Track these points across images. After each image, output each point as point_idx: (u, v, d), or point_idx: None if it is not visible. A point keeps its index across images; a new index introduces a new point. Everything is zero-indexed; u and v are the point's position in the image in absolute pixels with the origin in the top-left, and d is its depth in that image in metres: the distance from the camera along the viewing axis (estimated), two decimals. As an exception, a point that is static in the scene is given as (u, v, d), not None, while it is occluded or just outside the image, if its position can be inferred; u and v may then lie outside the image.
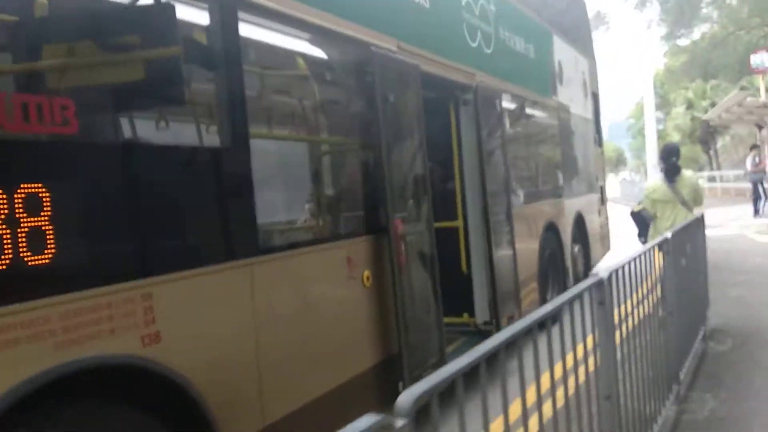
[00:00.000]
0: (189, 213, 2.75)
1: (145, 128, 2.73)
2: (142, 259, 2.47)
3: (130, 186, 2.52)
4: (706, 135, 43.97)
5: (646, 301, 4.06)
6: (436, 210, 5.09)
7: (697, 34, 35.93)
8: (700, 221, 6.32)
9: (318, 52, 4.13)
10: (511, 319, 5.69)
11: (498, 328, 5.45)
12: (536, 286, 7.18)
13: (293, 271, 3.31)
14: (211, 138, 2.93)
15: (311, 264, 3.49)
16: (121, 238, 2.43)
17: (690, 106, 44.15)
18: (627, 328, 3.58)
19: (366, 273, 3.88)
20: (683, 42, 37.36)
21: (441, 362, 4.58)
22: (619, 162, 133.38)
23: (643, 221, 7.31)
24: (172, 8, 2.71)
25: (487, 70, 6.11)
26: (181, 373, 2.45)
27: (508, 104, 6.90)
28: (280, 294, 3.19)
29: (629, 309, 3.69)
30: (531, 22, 7.99)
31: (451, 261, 6.01)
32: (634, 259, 3.79)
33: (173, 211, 2.67)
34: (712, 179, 36.71)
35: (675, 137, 44.27)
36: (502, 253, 6.00)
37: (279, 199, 4.06)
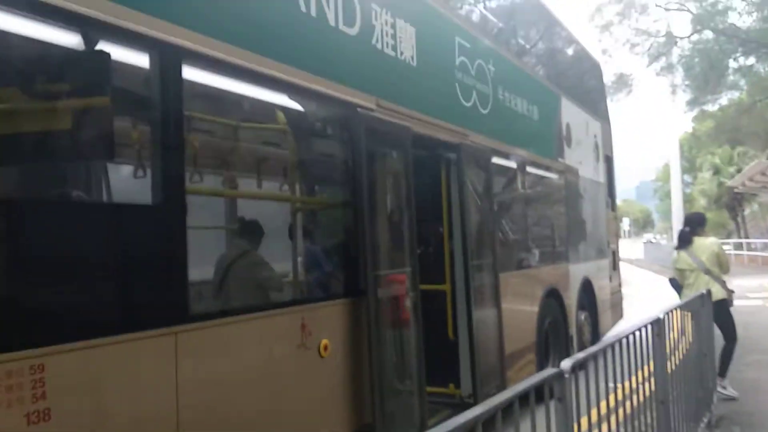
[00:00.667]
0: (98, 275, 2.53)
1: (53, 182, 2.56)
2: (35, 325, 2.25)
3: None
4: (733, 201, 43.25)
5: (638, 389, 3.94)
6: (427, 271, 4.87)
7: (724, 100, 35.71)
8: (704, 297, 5.96)
9: (292, 109, 3.99)
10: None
11: (476, 403, 5.10)
12: (533, 357, 6.83)
13: (228, 340, 3.05)
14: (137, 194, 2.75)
15: (253, 332, 3.23)
16: (14, 302, 2.22)
17: (717, 171, 43.62)
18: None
19: (324, 342, 3.61)
20: (710, 107, 37.13)
21: None
22: (646, 223, 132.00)
23: (679, 288, 7.12)
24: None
25: (481, 130, 5.94)
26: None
27: (502, 165, 6.71)
28: (211, 366, 2.92)
29: (607, 405, 3.43)
30: (537, 84, 7.87)
31: (439, 326, 5.73)
32: (610, 346, 3.52)
33: (78, 271, 2.46)
34: (738, 247, 35.86)
35: (701, 202, 43.69)
36: (484, 322, 5.67)
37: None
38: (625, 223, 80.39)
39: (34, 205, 2.45)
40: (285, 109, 3.94)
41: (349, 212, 4.06)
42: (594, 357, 3.30)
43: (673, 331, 4.86)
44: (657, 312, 4.46)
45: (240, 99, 3.68)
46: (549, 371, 2.64)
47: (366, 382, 3.98)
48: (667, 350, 4.50)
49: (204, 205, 3.07)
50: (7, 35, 2.32)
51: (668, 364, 4.45)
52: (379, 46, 4.40)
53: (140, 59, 2.74)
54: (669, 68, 33.71)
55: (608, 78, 33.31)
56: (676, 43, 33.22)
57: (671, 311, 4.81)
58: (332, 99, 3.93)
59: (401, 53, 4.68)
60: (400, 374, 4.54)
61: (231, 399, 3.00)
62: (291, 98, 3.85)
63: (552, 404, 2.64)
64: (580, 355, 3.06)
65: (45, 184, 2.60)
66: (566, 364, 2.75)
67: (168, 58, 2.77)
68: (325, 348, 3.66)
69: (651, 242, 49.60)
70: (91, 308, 2.48)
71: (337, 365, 3.81)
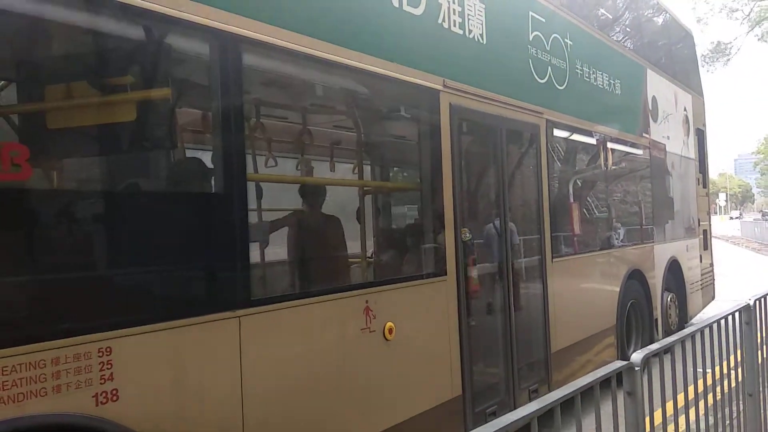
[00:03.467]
0: (163, 260, 2.62)
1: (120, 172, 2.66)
2: (104, 310, 2.35)
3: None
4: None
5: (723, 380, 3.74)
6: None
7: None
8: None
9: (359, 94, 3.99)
10: (534, 393, 5.03)
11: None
12: (613, 341, 6.61)
13: (290, 324, 3.10)
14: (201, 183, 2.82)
15: (317, 316, 3.26)
16: (82, 288, 2.33)
17: (825, 141, 40.53)
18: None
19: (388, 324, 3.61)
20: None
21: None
22: (745, 198, 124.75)
23: None
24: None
25: (557, 108, 5.74)
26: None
27: (581, 142, 6.48)
28: (275, 350, 2.97)
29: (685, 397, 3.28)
30: (619, 56, 7.51)
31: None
32: (690, 336, 3.33)
33: (146, 256, 2.55)
34: None
35: (807, 175, 40.77)
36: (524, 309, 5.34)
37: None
38: (721, 199, 76.34)
39: (102, 196, 2.56)
40: (353, 94, 3.95)
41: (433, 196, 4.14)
42: (671, 348, 3.14)
43: None
44: (747, 298, 4.22)
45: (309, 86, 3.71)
46: (617, 364, 2.53)
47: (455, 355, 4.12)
48: (760, 339, 4.25)
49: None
50: (69, 28, 2.41)
51: (759, 353, 4.19)
52: (445, 24, 4.30)
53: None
54: (772, 31, 31.47)
55: (703, 48, 31.51)
56: (780, 4, 30.96)
57: (764, 296, 4.51)
58: (396, 81, 3.88)
59: (469, 31, 4.56)
60: (489, 349, 4.66)
61: (326, 369, 3.14)
62: (356, 83, 3.84)
63: (621, 397, 2.54)
64: (654, 346, 2.93)
65: (112, 174, 2.70)
66: (637, 356, 2.62)
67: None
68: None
69: (746, 221, 46.16)
70: (161, 294, 2.58)
71: (426, 341, 3.91)
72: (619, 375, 2.54)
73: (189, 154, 2.94)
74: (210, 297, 2.77)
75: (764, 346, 4.36)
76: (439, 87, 4.22)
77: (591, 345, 6.18)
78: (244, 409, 2.75)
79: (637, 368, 2.58)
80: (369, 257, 4.03)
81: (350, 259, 3.94)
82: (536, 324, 5.34)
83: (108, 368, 2.26)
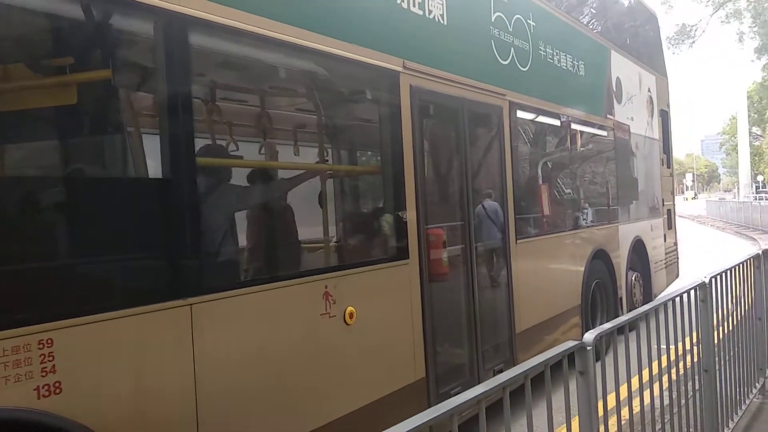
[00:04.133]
0: (107, 248, 2.54)
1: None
2: (43, 301, 2.27)
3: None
4: (806, 153, 41.03)
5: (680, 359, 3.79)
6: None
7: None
8: (759, 258, 5.65)
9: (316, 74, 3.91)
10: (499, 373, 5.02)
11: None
12: (578, 320, 6.68)
13: (246, 312, 3.03)
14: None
15: (274, 302, 3.20)
16: (19, 278, 2.25)
17: (788, 122, 41.38)
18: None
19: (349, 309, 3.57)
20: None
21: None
22: (711, 178, 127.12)
23: None
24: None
25: (520, 89, 5.72)
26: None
27: (544, 123, 6.49)
28: (230, 339, 2.91)
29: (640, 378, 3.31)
30: (583, 37, 7.51)
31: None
32: (644, 314, 3.36)
33: (88, 244, 2.48)
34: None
35: (770, 155, 41.60)
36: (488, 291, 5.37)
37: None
38: (688, 179, 77.61)
39: (41, 182, 2.47)
40: (308, 76, 3.86)
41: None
42: (628, 327, 3.14)
43: (728, 294, 4.63)
44: (703, 275, 4.23)
45: (260, 67, 3.62)
46: (569, 344, 2.51)
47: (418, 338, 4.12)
48: (718, 316, 4.29)
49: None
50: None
51: (715, 331, 4.22)
52: (404, 4, 4.24)
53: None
54: (736, 14, 31.96)
55: (669, 30, 31.83)
56: (744, -14, 31.43)
57: (720, 274, 4.55)
58: (353, 62, 3.82)
59: (429, 11, 4.51)
60: (453, 331, 4.67)
61: (285, 355, 3.12)
62: (311, 64, 3.75)
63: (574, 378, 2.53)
64: (607, 325, 2.92)
65: (52, 160, 2.60)
66: (589, 336, 2.60)
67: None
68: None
69: (711, 200, 46.58)
70: (99, 284, 2.50)
71: (389, 324, 3.90)
72: (571, 356, 2.51)
73: (135, 138, 2.84)
74: (158, 285, 2.68)
75: (721, 325, 4.43)
76: (399, 68, 4.17)
77: (556, 325, 6.23)
78: (197, 400, 2.70)
79: (589, 348, 2.54)
80: (329, 242, 3.97)
81: (309, 245, 3.88)
82: (501, 305, 5.36)
83: (50, 360, 2.18)
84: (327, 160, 4.08)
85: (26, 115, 2.49)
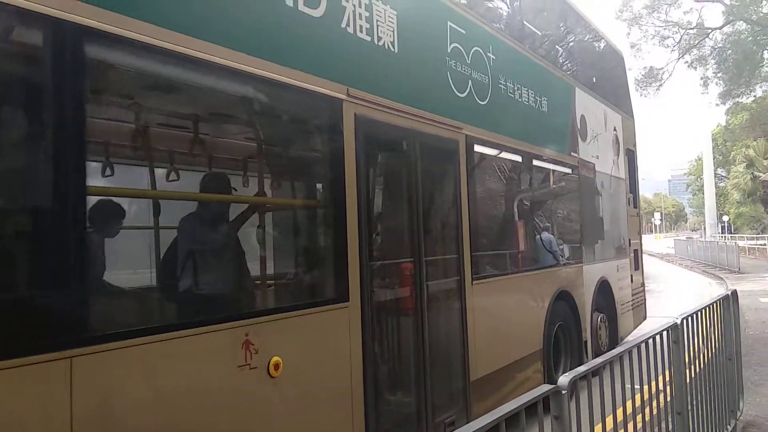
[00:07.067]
0: None
1: None
2: None
3: None
4: (768, 195, 41.80)
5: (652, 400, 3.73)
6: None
7: (759, 91, 34.57)
8: (728, 299, 5.45)
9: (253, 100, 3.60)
10: (450, 426, 4.67)
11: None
12: (539, 367, 6.35)
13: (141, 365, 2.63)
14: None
15: (178, 353, 2.80)
16: None
17: (751, 164, 42.15)
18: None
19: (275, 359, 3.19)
20: (745, 99, 36.02)
21: None
22: (678, 218, 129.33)
23: None
24: None
25: (478, 123, 5.48)
26: None
27: (504, 159, 6.26)
28: (119, 398, 2.52)
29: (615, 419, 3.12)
30: (546, 73, 7.36)
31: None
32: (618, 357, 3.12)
33: None
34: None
35: (735, 196, 42.32)
36: (443, 333, 4.98)
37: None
38: (656, 218, 78.76)
39: None
40: (242, 101, 3.55)
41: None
42: (599, 370, 3.03)
43: (698, 334, 4.53)
44: (675, 317, 4.19)
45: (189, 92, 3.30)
46: (544, 388, 2.37)
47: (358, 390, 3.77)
48: (688, 357, 4.20)
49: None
50: None
51: (687, 371, 4.16)
52: (350, 29, 3.98)
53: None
54: (701, 60, 32.82)
55: (637, 73, 32.52)
56: (708, 34, 32.33)
57: (691, 315, 4.43)
58: (292, 88, 3.52)
59: (379, 38, 4.25)
60: (398, 381, 4.36)
61: (191, 415, 2.67)
62: (245, 89, 3.44)
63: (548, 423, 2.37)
64: (582, 368, 2.82)
65: None
66: (564, 379, 2.49)
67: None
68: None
69: (679, 239, 47.01)
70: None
71: (323, 376, 3.56)
72: (546, 400, 2.38)
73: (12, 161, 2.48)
74: (32, 335, 2.27)
75: (692, 365, 4.27)
76: (343, 96, 3.88)
77: (516, 371, 5.90)
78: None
79: (564, 392, 2.43)
80: (252, 283, 3.59)
81: (228, 286, 3.49)
82: (454, 350, 5.01)
83: None
84: (256, 191, 3.73)
85: None
